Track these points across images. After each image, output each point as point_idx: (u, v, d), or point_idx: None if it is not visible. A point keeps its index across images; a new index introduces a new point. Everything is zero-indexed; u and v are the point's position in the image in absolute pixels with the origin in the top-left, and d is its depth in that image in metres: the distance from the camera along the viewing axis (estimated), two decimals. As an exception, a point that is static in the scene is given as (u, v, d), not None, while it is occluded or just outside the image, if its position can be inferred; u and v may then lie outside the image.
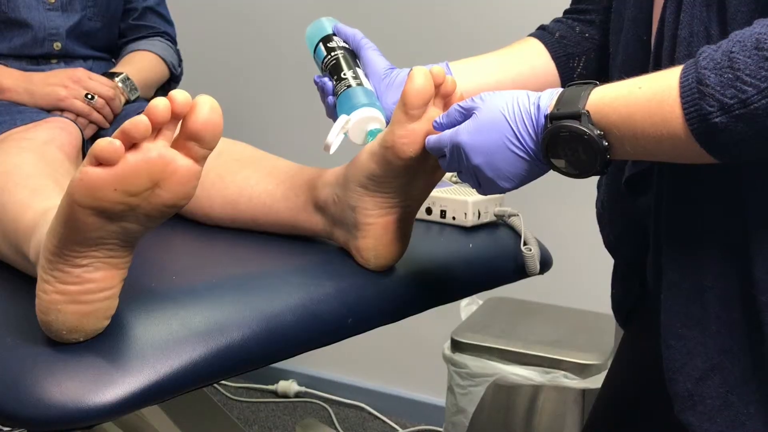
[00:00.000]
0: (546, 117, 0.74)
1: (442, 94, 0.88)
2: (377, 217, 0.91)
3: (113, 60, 1.58)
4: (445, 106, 0.89)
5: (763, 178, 0.74)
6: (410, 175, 0.89)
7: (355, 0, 2.04)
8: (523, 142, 0.76)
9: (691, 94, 0.67)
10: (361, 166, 0.90)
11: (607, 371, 1.08)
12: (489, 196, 1.12)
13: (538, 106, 0.75)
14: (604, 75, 0.96)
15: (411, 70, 0.86)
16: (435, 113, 0.87)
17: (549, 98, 0.75)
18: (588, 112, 0.72)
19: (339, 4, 2.06)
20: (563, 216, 1.86)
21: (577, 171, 0.74)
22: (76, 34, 1.46)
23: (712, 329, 0.76)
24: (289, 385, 2.26)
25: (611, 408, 1.04)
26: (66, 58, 1.46)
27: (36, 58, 1.44)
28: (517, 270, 1.09)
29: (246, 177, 1.03)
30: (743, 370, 0.75)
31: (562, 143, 0.73)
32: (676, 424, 0.79)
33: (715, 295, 0.76)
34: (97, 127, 1.37)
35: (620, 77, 0.75)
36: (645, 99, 0.70)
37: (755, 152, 0.67)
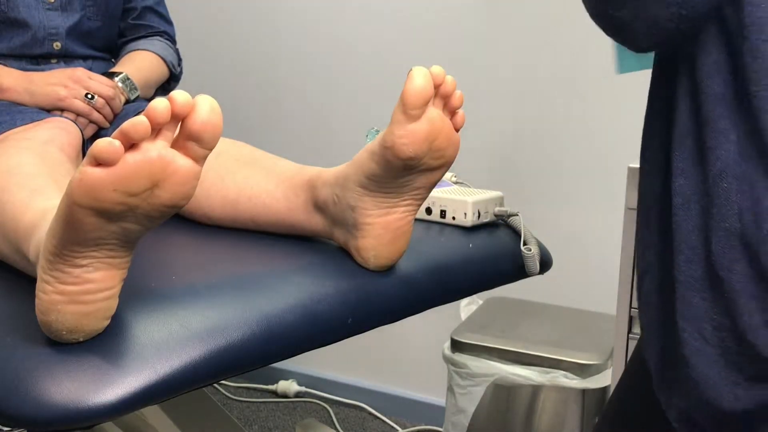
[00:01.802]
0: None
1: (441, 94, 0.88)
2: (377, 217, 0.91)
3: (113, 60, 1.58)
4: (445, 106, 0.89)
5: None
6: (410, 175, 0.89)
7: (357, 0, 2.04)
8: None
9: None
10: (360, 166, 0.90)
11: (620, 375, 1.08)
12: (489, 196, 1.12)
13: None
14: None
15: (411, 70, 0.86)
16: (434, 113, 0.87)
17: None
18: None
19: (339, 4, 2.06)
20: (563, 216, 1.86)
21: None
22: (75, 33, 1.46)
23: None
24: (289, 385, 2.26)
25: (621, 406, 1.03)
26: (66, 58, 1.46)
27: (36, 58, 1.44)
28: (517, 270, 1.09)
29: (246, 177, 1.03)
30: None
31: None
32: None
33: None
34: (97, 126, 1.37)
35: None
36: None
37: None
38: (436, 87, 0.86)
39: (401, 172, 0.88)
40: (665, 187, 0.77)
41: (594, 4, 0.77)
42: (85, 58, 1.49)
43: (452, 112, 0.90)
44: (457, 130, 0.91)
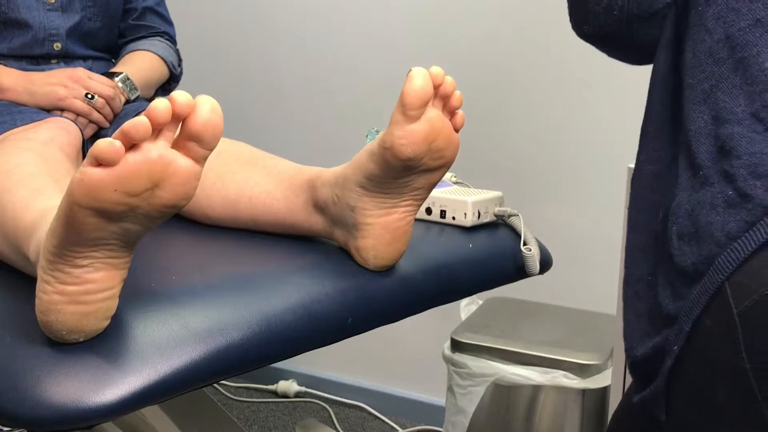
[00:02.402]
0: None
1: (441, 94, 0.88)
2: (377, 217, 0.91)
3: (113, 60, 1.58)
4: (444, 106, 0.89)
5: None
6: (409, 175, 0.89)
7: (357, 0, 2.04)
8: None
9: None
10: (360, 167, 0.90)
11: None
12: (489, 196, 1.12)
13: None
14: None
15: (410, 70, 0.86)
16: (434, 114, 0.87)
17: None
18: None
19: (340, 5, 2.06)
20: (563, 216, 1.86)
21: None
22: (76, 34, 1.46)
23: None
24: (289, 385, 2.26)
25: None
26: (66, 59, 1.46)
27: (36, 59, 1.43)
28: (517, 270, 1.09)
29: (246, 177, 1.03)
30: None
31: None
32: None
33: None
34: (97, 126, 1.37)
35: None
36: None
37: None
38: (436, 87, 0.86)
39: (401, 173, 0.88)
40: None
41: (576, 30, 0.92)
42: (85, 58, 1.49)
43: (452, 113, 0.90)
44: (457, 131, 0.91)
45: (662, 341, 0.77)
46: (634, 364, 0.83)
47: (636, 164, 0.87)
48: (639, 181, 0.86)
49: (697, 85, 0.78)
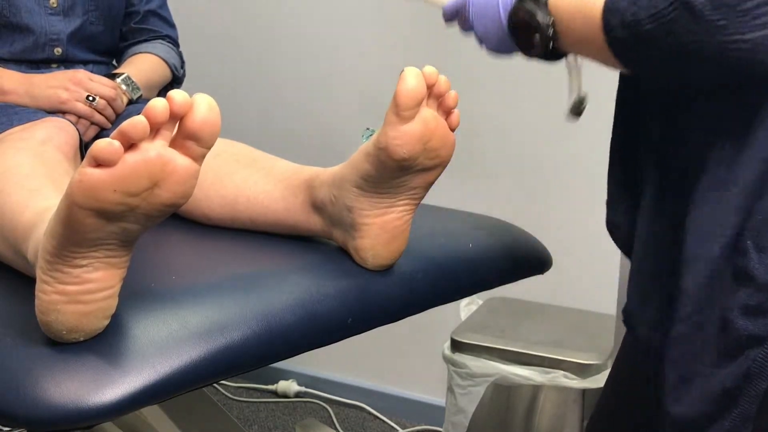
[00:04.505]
0: None
1: (434, 94, 0.87)
2: (374, 217, 0.91)
3: (113, 63, 1.58)
4: (439, 106, 0.88)
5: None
6: (405, 174, 0.89)
7: (355, 1, 2.04)
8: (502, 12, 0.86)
9: (612, 4, 0.74)
10: (356, 167, 0.90)
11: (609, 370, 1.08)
12: None
13: None
14: None
15: (403, 70, 0.85)
16: (428, 114, 0.87)
17: None
18: None
19: (340, 5, 2.06)
20: (563, 216, 1.86)
21: (529, 50, 0.85)
22: (77, 38, 1.46)
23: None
24: (289, 385, 2.26)
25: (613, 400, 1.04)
26: (66, 63, 1.46)
27: (36, 63, 1.43)
28: (517, 270, 1.09)
29: (244, 177, 1.03)
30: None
31: (520, 22, 0.83)
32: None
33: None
34: (99, 128, 1.37)
35: None
36: None
37: (653, 68, 0.77)
38: (429, 87, 0.86)
39: (396, 173, 0.88)
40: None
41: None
42: (85, 62, 1.48)
43: (447, 112, 0.90)
44: (453, 130, 0.90)
45: (746, 363, 0.74)
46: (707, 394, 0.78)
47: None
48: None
49: None
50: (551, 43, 0.82)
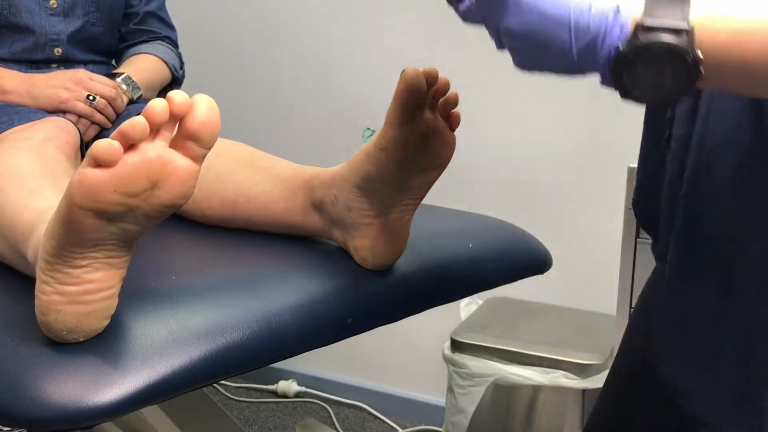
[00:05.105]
0: (635, 25, 0.60)
1: (435, 94, 0.87)
2: (374, 217, 0.91)
3: (113, 64, 1.58)
4: (439, 106, 0.88)
5: None
6: (406, 175, 0.89)
7: (358, 0, 2.04)
8: (574, 45, 0.62)
9: None
10: (356, 167, 0.90)
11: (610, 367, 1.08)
12: None
13: (618, 9, 0.60)
14: None
15: (403, 70, 0.85)
16: (428, 114, 0.87)
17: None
18: (693, 28, 0.59)
19: (340, 5, 2.06)
20: (563, 216, 1.86)
21: (649, 96, 0.62)
22: (77, 39, 1.46)
23: None
24: (289, 385, 2.27)
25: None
26: (66, 63, 1.46)
27: (36, 63, 1.43)
28: (517, 270, 1.09)
29: (244, 178, 1.03)
30: None
31: (645, 61, 0.59)
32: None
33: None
34: (99, 128, 1.37)
35: None
36: None
37: None
38: (430, 87, 0.86)
39: (396, 173, 0.88)
40: None
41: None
42: (85, 62, 1.49)
43: (447, 112, 0.90)
44: (453, 130, 0.90)
45: None
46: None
47: None
48: None
49: None
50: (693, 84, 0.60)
